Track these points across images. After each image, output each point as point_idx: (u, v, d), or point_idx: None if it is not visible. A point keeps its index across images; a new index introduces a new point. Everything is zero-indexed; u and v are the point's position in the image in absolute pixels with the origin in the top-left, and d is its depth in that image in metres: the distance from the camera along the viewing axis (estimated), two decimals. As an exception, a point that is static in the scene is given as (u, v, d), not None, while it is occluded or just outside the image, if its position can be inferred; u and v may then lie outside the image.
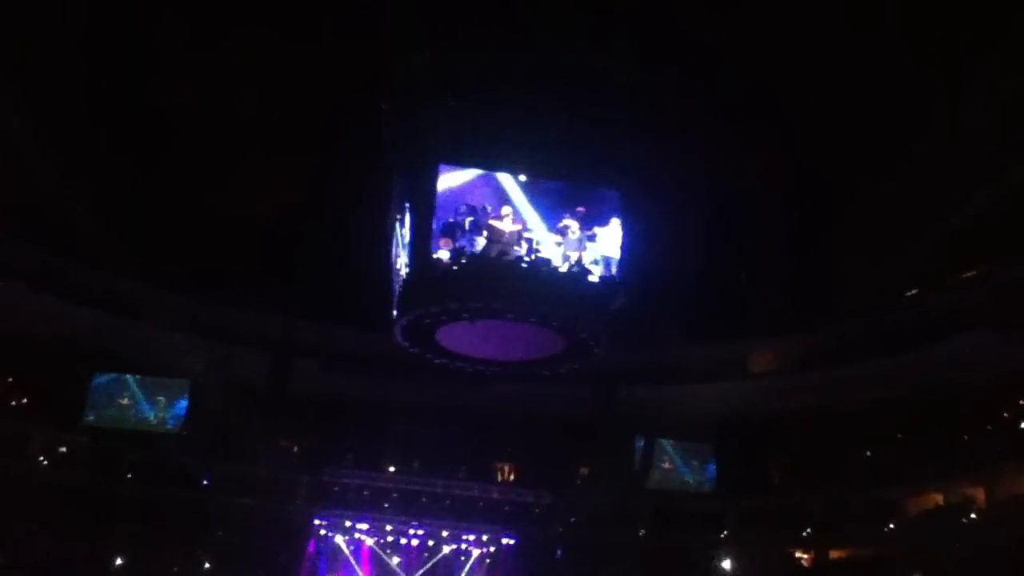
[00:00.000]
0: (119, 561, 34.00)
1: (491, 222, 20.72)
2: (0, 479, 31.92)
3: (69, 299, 34.57)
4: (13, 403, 34.82)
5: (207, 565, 36.13)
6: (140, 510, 35.15)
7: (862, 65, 23.13)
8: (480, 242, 20.55)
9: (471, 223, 20.55)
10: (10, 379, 34.95)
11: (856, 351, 36.72)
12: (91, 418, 35.79)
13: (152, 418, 36.63)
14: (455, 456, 40.34)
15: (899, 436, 37.14)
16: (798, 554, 38.95)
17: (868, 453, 38.19)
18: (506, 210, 20.78)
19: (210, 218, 30.48)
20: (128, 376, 36.46)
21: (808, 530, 37.68)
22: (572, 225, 21.30)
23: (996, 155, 24.75)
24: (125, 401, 36.32)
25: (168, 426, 36.68)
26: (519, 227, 20.86)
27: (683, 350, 39.24)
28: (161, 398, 36.78)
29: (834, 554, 37.97)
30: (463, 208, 20.75)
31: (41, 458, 34.81)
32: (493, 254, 20.45)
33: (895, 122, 24.70)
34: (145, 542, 34.85)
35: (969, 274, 33.72)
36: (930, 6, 20.90)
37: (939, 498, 35.41)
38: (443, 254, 20.52)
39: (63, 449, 35.55)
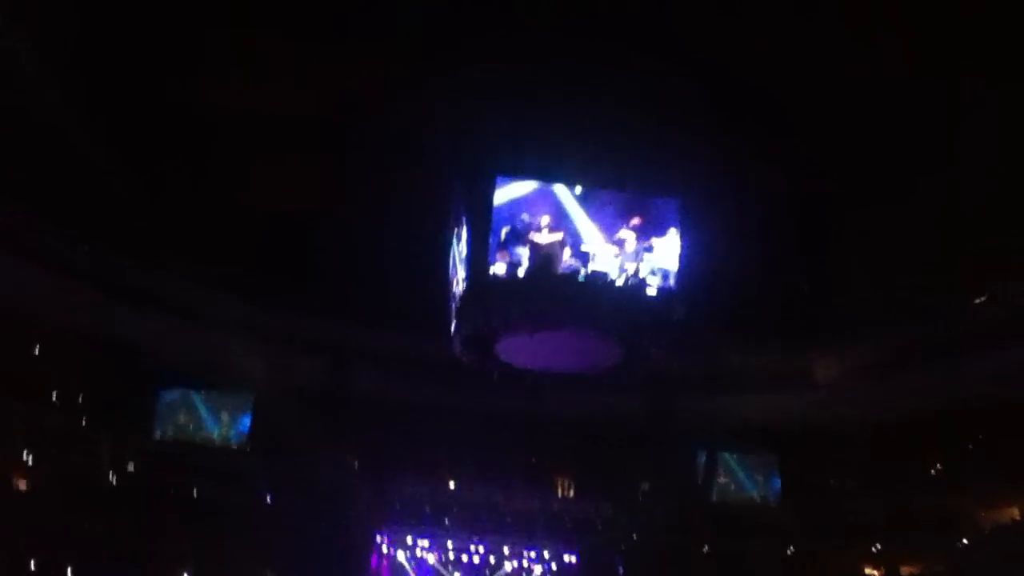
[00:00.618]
0: (184, 575, 34.54)
1: (530, 234, 20.65)
2: (68, 490, 32.71)
3: (133, 305, 35.11)
4: (84, 417, 35.56)
5: (269, 577, 36.60)
6: (204, 521, 35.69)
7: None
8: (524, 254, 20.48)
9: (508, 234, 20.44)
10: (81, 395, 35.76)
11: (923, 359, 35.79)
12: (158, 433, 36.48)
13: (216, 435, 37.23)
14: (514, 467, 40.26)
15: (971, 447, 36.11)
16: (868, 570, 38.10)
17: (939, 466, 37.23)
18: (544, 220, 20.69)
19: (269, 224, 30.80)
20: (193, 392, 37.11)
21: (878, 545, 36.87)
22: (628, 236, 21.15)
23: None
24: (191, 417, 36.98)
25: (232, 442, 37.21)
26: (559, 236, 20.72)
27: (744, 360, 38.60)
28: (225, 415, 37.36)
29: (905, 570, 37.09)
30: (521, 221, 20.74)
31: (109, 471, 35.63)
32: (540, 266, 20.39)
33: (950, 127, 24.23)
34: (209, 554, 35.36)
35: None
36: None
37: (1015, 512, 34.43)
38: (500, 268, 20.53)
39: (131, 465, 36.32)
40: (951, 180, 25.16)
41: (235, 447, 37.22)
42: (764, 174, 25.60)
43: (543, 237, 20.76)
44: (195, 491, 36.66)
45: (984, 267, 30.69)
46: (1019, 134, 22.84)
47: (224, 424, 37.41)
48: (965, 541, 34.66)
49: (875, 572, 37.95)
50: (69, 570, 32.08)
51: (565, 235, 20.70)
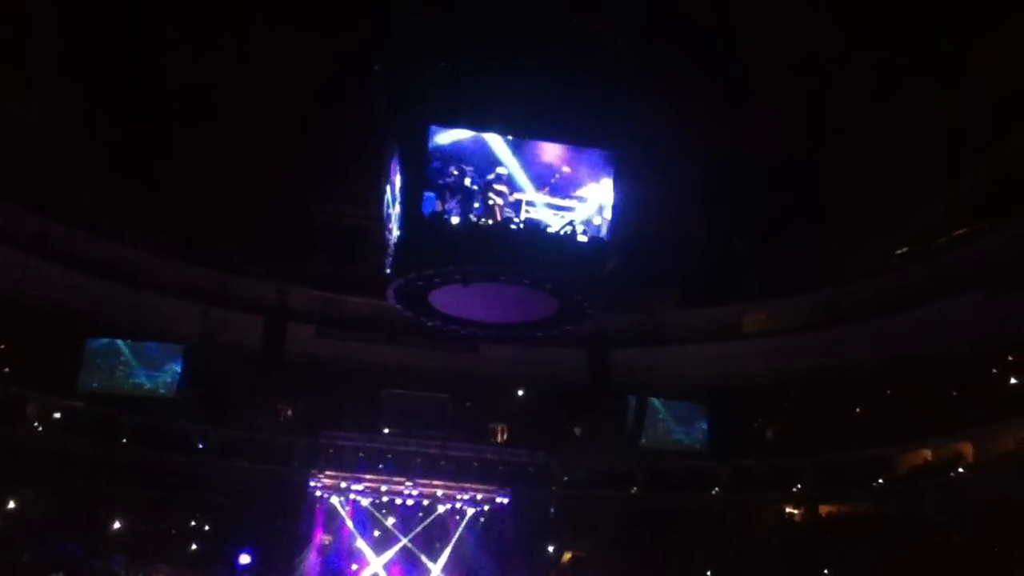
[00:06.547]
0: (116, 525, 34.22)
1: (469, 182, 20.65)
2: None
3: (65, 264, 34.58)
4: (7, 369, 34.77)
5: (205, 528, 36.44)
6: (137, 474, 35.38)
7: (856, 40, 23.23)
8: (472, 204, 20.51)
9: (462, 185, 20.47)
10: (2, 345, 34.91)
11: (848, 313, 37.02)
12: (87, 383, 35.85)
13: (147, 383, 36.72)
14: (450, 418, 40.57)
15: (889, 395, 37.45)
16: (789, 510, 39.44)
17: (859, 412, 38.57)
18: (499, 171, 20.71)
19: (205, 183, 30.33)
20: (121, 342, 36.49)
21: (798, 486, 38.14)
22: (562, 186, 21.25)
23: (988, 126, 24.93)
24: (120, 366, 36.38)
25: (161, 391, 36.77)
26: (504, 188, 20.80)
27: (678, 313, 39.29)
28: (156, 363, 36.86)
29: (824, 510, 38.48)
30: (454, 170, 20.68)
31: (37, 423, 34.99)
32: (484, 216, 20.44)
33: (891, 93, 24.80)
34: (142, 506, 35.10)
35: (960, 232, 33.82)
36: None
37: (927, 455, 35.89)
38: (434, 216, 20.50)
39: (58, 415, 35.71)
40: (885, 147, 25.85)
41: (165, 396, 36.78)
42: (702, 131, 25.92)
43: (498, 187, 20.79)
44: (125, 441, 36.17)
45: (910, 230, 31.79)
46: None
47: (154, 372, 36.92)
48: (880, 482, 36.06)
49: (796, 512, 39.31)
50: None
51: (508, 186, 20.80)
